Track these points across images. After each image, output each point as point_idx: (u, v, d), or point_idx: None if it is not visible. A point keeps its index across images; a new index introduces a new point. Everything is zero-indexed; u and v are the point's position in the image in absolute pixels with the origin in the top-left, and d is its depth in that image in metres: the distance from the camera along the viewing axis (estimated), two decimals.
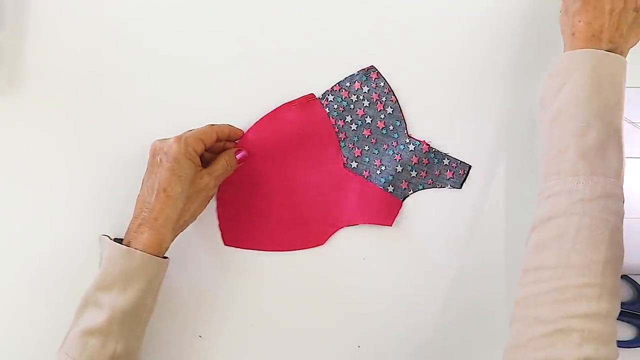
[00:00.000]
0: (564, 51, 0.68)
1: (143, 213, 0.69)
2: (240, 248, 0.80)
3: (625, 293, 0.80)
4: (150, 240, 0.69)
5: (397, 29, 0.80)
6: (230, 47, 0.80)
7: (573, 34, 0.67)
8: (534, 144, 0.81)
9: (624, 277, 0.79)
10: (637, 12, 0.68)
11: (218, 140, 0.75)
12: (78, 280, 0.78)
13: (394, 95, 0.79)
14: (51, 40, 0.79)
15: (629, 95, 0.74)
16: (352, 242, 0.79)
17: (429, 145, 0.79)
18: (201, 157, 0.73)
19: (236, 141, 0.79)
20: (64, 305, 0.78)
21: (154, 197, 0.69)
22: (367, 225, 0.79)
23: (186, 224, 0.74)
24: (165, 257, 0.71)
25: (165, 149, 0.70)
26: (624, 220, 0.66)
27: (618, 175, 0.63)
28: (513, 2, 0.81)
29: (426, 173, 0.79)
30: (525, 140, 0.81)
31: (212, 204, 0.79)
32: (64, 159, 0.79)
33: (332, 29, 0.80)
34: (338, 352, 0.80)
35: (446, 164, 0.79)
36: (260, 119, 0.79)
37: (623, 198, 0.63)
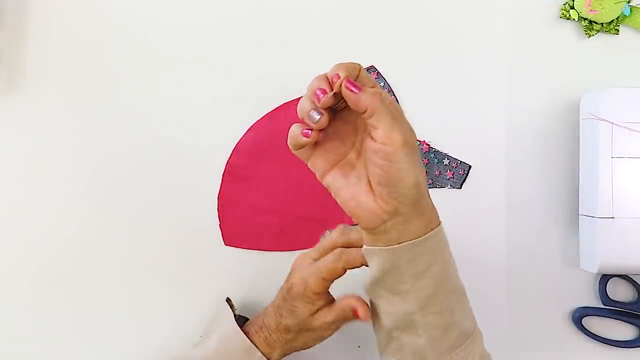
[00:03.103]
0: (431, 212, 0.57)
1: (268, 317, 0.68)
2: (241, 248, 0.79)
3: (625, 293, 0.80)
4: (262, 345, 0.67)
5: (397, 29, 0.81)
6: (230, 47, 0.80)
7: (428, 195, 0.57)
8: (534, 143, 0.81)
9: (624, 277, 0.79)
10: None
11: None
12: (77, 280, 0.78)
13: (394, 95, 0.79)
14: (51, 40, 0.79)
15: (625, 95, 0.75)
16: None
17: (429, 145, 0.79)
18: None
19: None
20: (63, 306, 0.78)
21: (274, 315, 0.67)
22: None
23: (295, 350, 0.69)
24: None
25: (291, 281, 0.66)
26: (627, 220, 0.73)
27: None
28: (513, 2, 0.81)
29: (426, 173, 0.79)
30: (525, 140, 0.81)
31: (212, 204, 0.79)
32: (64, 159, 0.79)
33: (332, 28, 0.80)
34: (338, 352, 0.80)
35: (446, 164, 0.79)
36: (260, 119, 0.79)
37: None
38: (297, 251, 0.79)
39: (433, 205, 0.57)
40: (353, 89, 0.54)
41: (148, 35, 0.80)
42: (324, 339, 0.68)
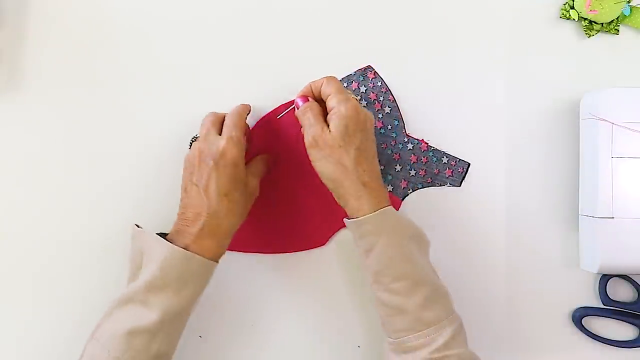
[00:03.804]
0: (358, 200, 0.68)
1: (204, 219, 0.68)
2: (240, 252, 0.79)
3: (625, 293, 0.80)
4: (212, 247, 0.68)
5: (394, 28, 0.81)
6: (229, 47, 0.80)
7: (364, 184, 0.68)
8: (534, 143, 0.81)
9: (624, 277, 0.79)
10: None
11: None
12: (77, 280, 0.78)
13: (392, 94, 0.79)
14: (51, 40, 0.79)
15: (626, 95, 0.75)
16: (352, 242, 0.79)
17: (427, 143, 0.79)
18: None
19: None
20: (63, 305, 0.78)
21: (216, 204, 0.68)
22: None
23: (234, 228, 0.71)
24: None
25: (220, 151, 0.68)
26: (627, 220, 0.73)
27: (452, 301, 0.70)
28: (513, 2, 0.81)
29: (425, 172, 0.79)
30: (524, 137, 0.81)
31: None
32: (63, 159, 0.79)
33: (329, 29, 0.81)
34: (338, 352, 0.80)
35: (445, 162, 0.79)
36: (258, 120, 0.79)
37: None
38: (297, 253, 0.79)
39: (369, 196, 0.68)
40: (298, 103, 0.72)
41: (148, 35, 0.80)
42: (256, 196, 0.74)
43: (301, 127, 0.71)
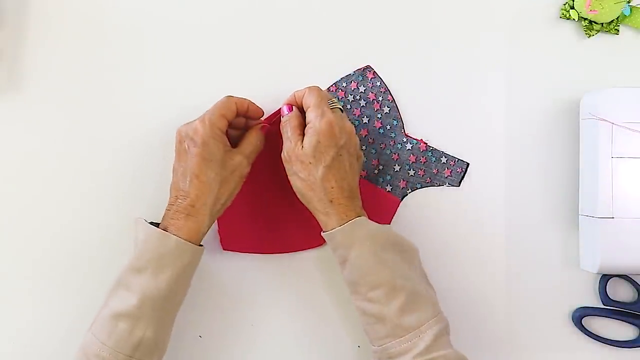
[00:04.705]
0: (325, 216, 0.70)
1: (178, 200, 0.69)
2: (239, 252, 0.79)
3: (625, 293, 0.80)
4: (186, 226, 0.68)
5: (394, 28, 0.81)
6: (227, 47, 0.80)
7: (331, 201, 0.69)
8: (534, 143, 0.81)
9: (624, 277, 0.79)
10: (357, 159, 0.73)
11: (238, 114, 0.73)
12: (76, 281, 0.78)
13: (391, 94, 0.79)
14: (51, 40, 0.79)
15: (626, 95, 0.75)
16: None
17: (426, 143, 0.79)
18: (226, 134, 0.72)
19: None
20: (62, 307, 0.78)
21: (187, 184, 0.69)
22: None
23: (224, 207, 0.72)
24: (201, 245, 0.70)
25: (191, 134, 0.69)
26: (627, 220, 0.73)
27: (436, 304, 0.70)
28: (513, 2, 0.81)
29: (424, 171, 0.79)
30: (524, 137, 0.81)
31: None
32: (64, 159, 0.79)
33: (328, 29, 0.81)
34: (338, 352, 0.80)
35: (444, 162, 0.79)
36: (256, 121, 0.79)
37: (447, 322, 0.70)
38: (297, 253, 0.79)
39: (335, 211, 0.69)
40: (284, 111, 0.73)
41: (148, 35, 0.80)
42: (244, 177, 0.73)
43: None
